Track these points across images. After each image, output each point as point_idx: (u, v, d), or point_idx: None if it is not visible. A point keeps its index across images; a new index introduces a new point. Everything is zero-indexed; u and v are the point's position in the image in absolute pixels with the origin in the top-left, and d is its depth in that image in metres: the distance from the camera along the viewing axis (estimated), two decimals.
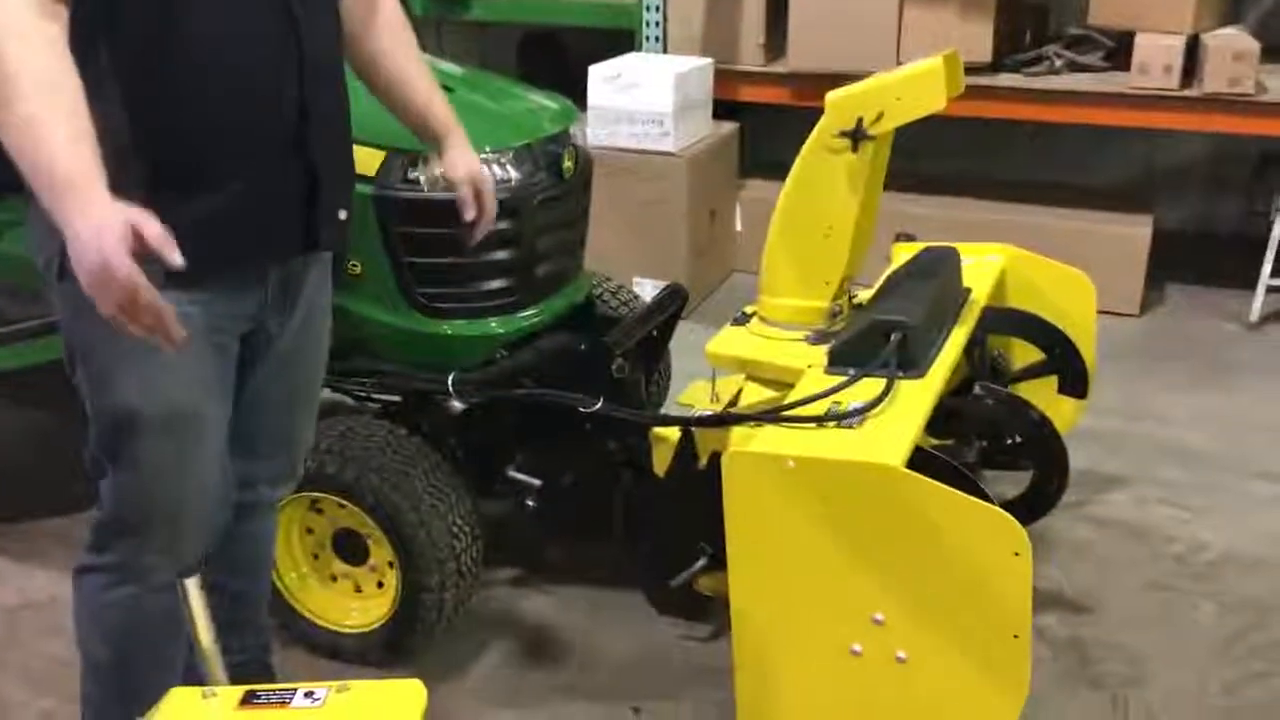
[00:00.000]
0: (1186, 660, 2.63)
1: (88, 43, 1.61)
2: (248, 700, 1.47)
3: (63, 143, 1.50)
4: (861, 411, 2.09)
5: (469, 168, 2.11)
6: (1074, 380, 2.86)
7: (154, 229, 1.51)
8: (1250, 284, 4.41)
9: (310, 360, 2.10)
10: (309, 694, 1.47)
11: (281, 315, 1.97)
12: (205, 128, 1.73)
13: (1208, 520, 3.17)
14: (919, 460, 2.05)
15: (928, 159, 4.95)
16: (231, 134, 1.76)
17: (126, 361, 1.76)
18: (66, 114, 1.51)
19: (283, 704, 1.46)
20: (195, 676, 1.55)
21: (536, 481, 2.67)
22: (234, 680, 2.06)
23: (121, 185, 1.54)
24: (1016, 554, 1.86)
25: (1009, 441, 2.82)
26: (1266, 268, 4.34)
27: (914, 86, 2.45)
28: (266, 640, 2.37)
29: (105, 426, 1.84)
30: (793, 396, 2.20)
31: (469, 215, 2.12)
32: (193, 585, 1.51)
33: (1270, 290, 4.39)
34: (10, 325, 2.81)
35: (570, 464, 2.69)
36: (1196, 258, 4.96)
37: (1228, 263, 4.78)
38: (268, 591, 2.39)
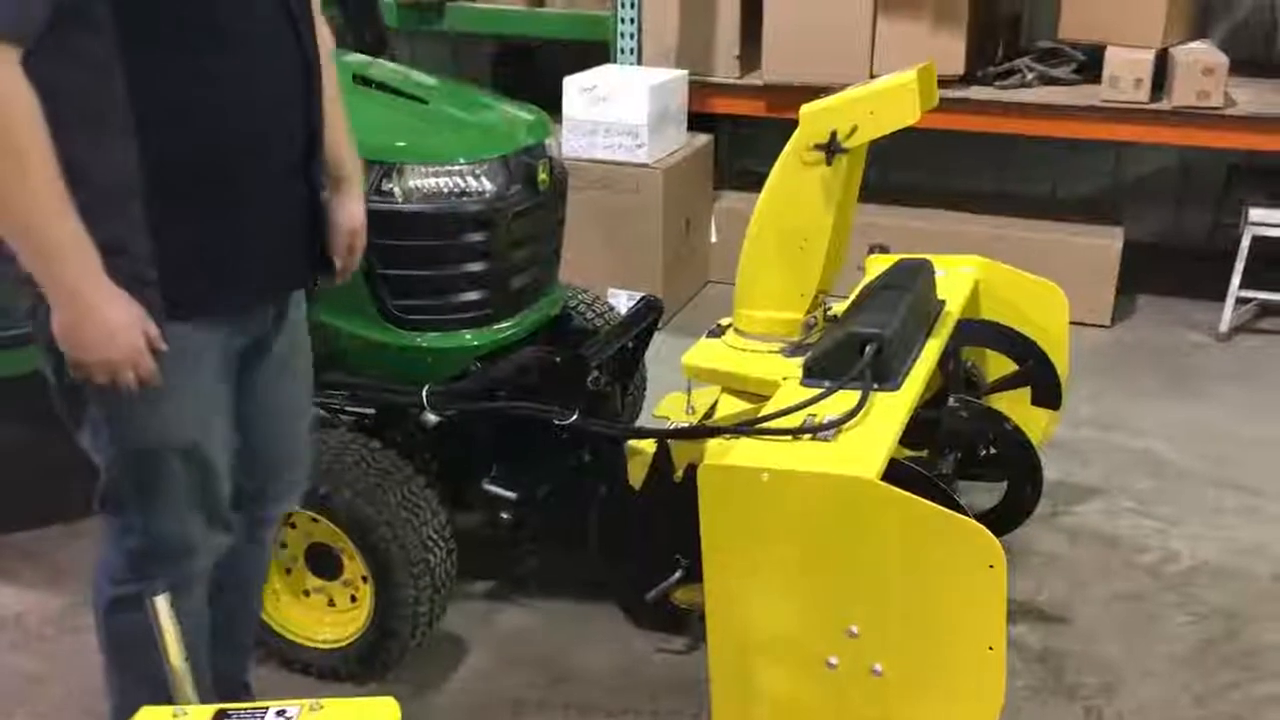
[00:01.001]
0: (1158, 671, 2.64)
1: (99, 75, 1.60)
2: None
3: (61, 211, 1.54)
4: (837, 424, 2.09)
5: (354, 221, 2.04)
6: (1047, 392, 2.87)
7: (153, 331, 1.63)
8: (1219, 295, 4.45)
9: (302, 366, 2.11)
10: (281, 713, 1.46)
11: (277, 328, 1.99)
12: (221, 159, 1.74)
13: (1179, 530, 3.19)
14: (894, 473, 2.05)
15: (899, 171, 4.99)
16: (249, 162, 1.78)
17: (143, 402, 1.75)
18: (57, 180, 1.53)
19: None
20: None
21: (511, 494, 2.66)
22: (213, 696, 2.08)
23: (126, 219, 1.57)
24: (991, 567, 1.87)
25: (982, 453, 2.84)
26: (1235, 279, 4.38)
27: (888, 100, 2.46)
28: (247, 658, 2.36)
29: (129, 465, 1.85)
30: (768, 409, 2.20)
31: (339, 263, 2.04)
32: (162, 603, 1.49)
33: (1239, 302, 4.44)
34: None
35: (545, 477, 2.68)
36: (1166, 269, 5.00)
37: (1197, 274, 4.83)
38: (259, 609, 2.38)
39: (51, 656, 2.68)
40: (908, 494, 1.90)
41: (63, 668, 2.63)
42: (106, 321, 1.61)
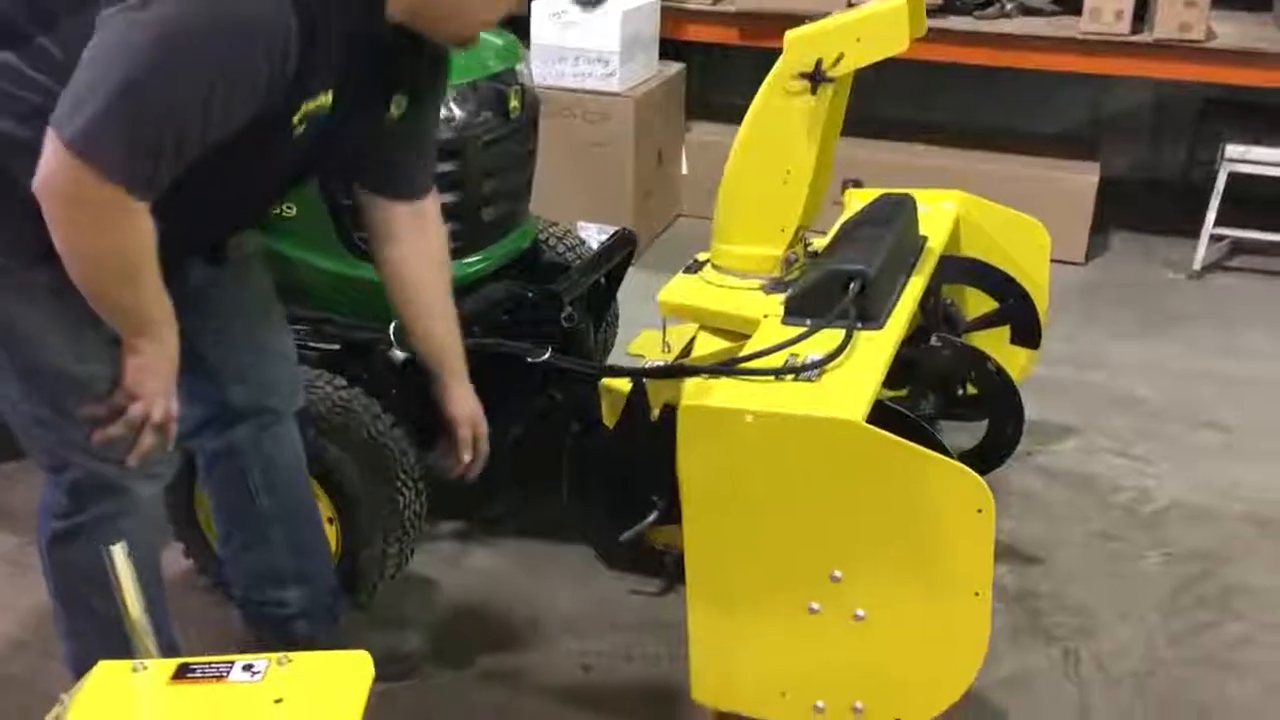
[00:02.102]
0: (1135, 611, 2.63)
1: None
2: (181, 674, 1.38)
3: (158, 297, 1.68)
4: (820, 364, 2.02)
5: (471, 410, 2.16)
6: (1027, 331, 2.83)
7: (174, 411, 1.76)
8: (1194, 233, 4.42)
9: (255, 271, 2.08)
10: (248, 667, 1.38)
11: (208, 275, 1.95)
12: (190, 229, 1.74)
13: (1155, 470, 3.17)
14: (879, 414, 1.99)
15: (872, 103, 4.89)
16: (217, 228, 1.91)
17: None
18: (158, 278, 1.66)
19: (219, 678, 1.37)
20: None
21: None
22: (290, 630, 2.24)
23: None
24: (980, 511, 1.82)
25: (961, 393, 2.80)
26: (1210, 216, 4.34)
27: (876, 27, 2.37)
28: (327, 586, 2.32)
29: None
30: (749, 348, 2.14)
31: (465, 457, 2.16)
32: (119, 552, 1.41)
33: (1214, 239, 4.41)
34: None
35: (517, 415, 2.61)
36: (1140, 206, 4.96)
37: (1171, 211, 4.79)
38: (322, 533, 2.33)
39: (4, 599, 2.60)
40: (894, 437, 1.84)
41: (16, 609, 2.55)
42: (169, 375, 1.75)
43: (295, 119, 1.64)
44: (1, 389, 1.82)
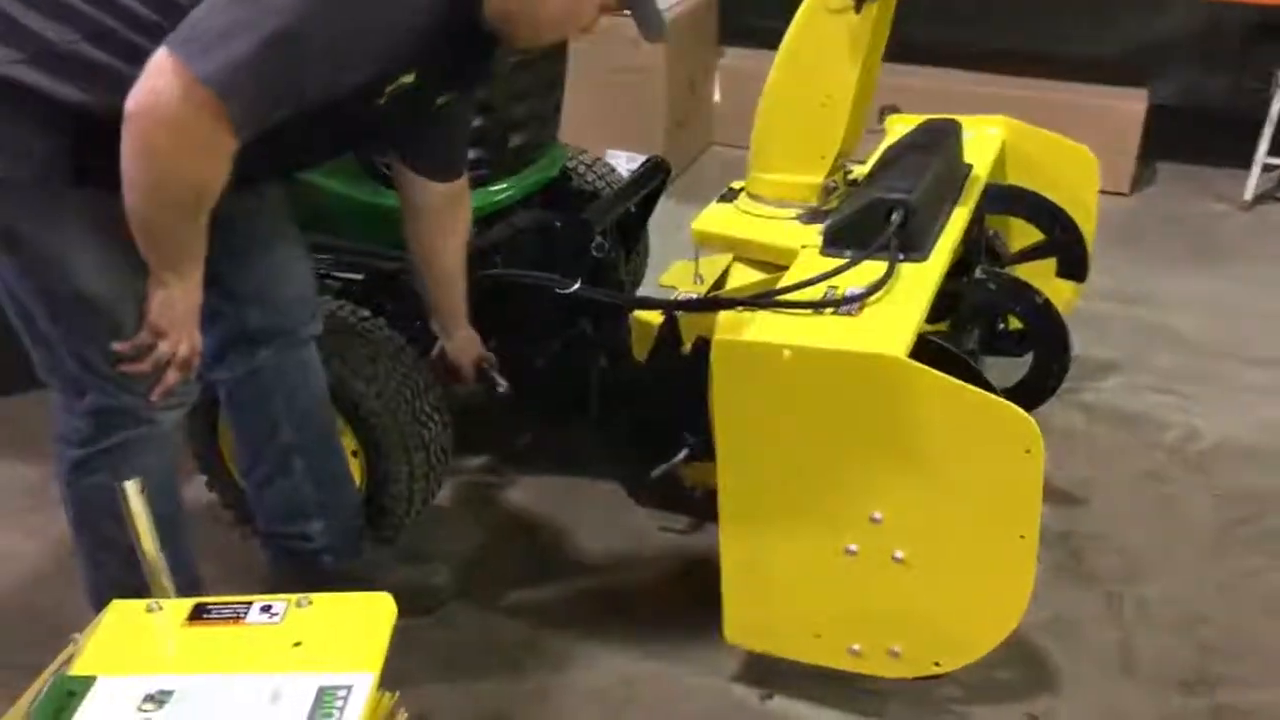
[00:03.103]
0: (1180, 556, 2.55)
1: None
2: (197, 615, 1.34)
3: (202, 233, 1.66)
4: (861, 297, 1.94)
5: (473, 354, 2.40)
6: (1074, 264, 2.73)
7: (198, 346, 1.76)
8: (1244, 162, 4.26)
9: (272, 192, 2.04)
10: (266, 608, 1.34)
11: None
12: None
13: (1201, 408, 3.07)
14: (921, 349, 1.91)
15: (909, 26, 4.72)
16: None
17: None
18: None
19: (236, 619, 1.33)
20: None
21: (503, 367, 2.51)
22: (315, 564, 2.24)
23: None
24: (1028, 451, 1.75)
25: (1004, 327, 2.71)
26: (1263, 145, 4.18)
27: None
28: (352, 519, 2.31)
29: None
30: (787, 280, 2.05)
31: (469, 384, 2.43)
32: (133, 489, 1.36)
33: (1266, 169, 4.25)
34: None
35: (545, 348, 2.54)
36: (1187, 134, 4.79)
37: (1220, 139, 4.62)
38: (346, 465, 2.29)
39: (30, 529, 2.57)
40: (939, 373, 1.76)
41: (42, 538, 2.53)
42: (193, 310, 1.74)
43: (388, 89, 1.69)
44: (22, 310, 1.78)
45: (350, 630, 1.31)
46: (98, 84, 1.55)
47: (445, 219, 2.17)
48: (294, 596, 1.35)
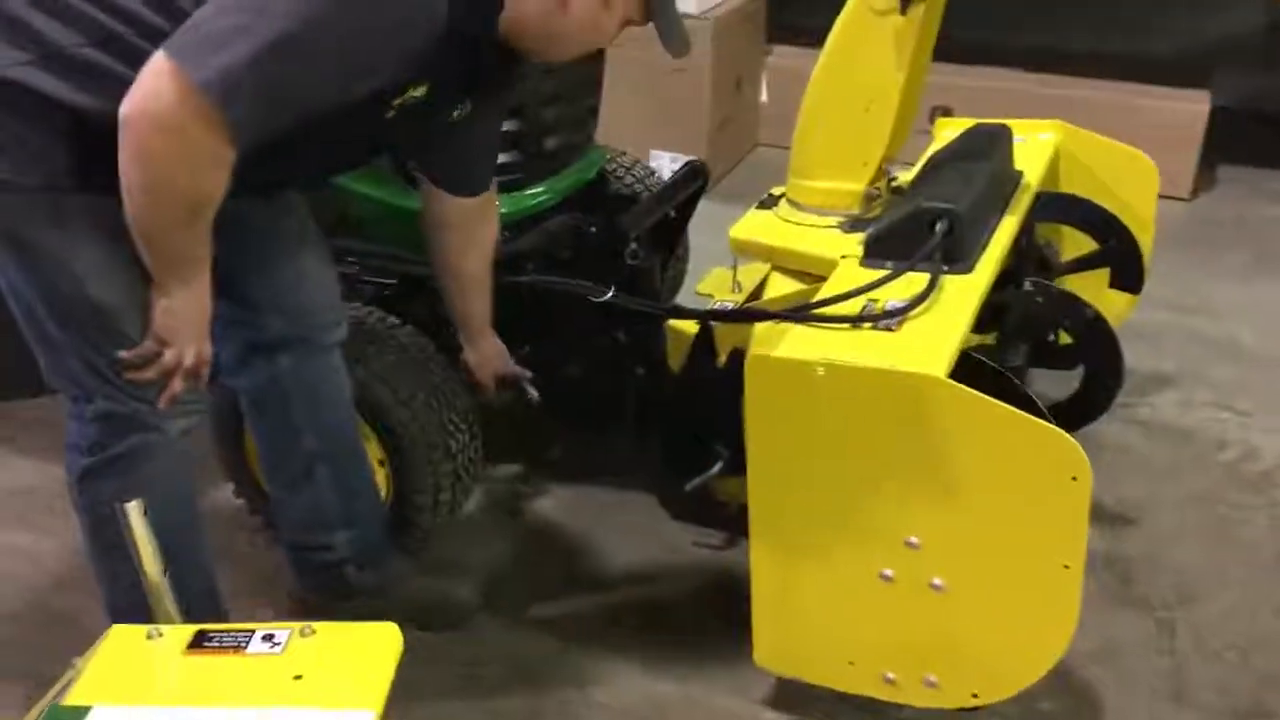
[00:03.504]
0: (1236, 580, 2.44)
1: None
2: (197, 643, 1.29)
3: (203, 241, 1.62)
4: (901, 311, 1.86)
5: (496, 368, 2.34)
6: (1129, 275, 2.63)
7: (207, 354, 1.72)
8: None
9: (293, 199, 2.01)
10: (268, 637, 1.29)
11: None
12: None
13: (1261, 425, 2.95)
14: (963, 366, 1.83)
15: (963, 26, 4.61)
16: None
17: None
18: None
19: (237, 648, 1.28)
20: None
21: (535, 376, 2.46)
22: (338, 576, 2.20)
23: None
24: (1075, 479, 1.66)
25: (1053, 340, 2.61)
26: None
27: None
28: (376, 530, 2.27)
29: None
30: (824, 292, 1.97)
31: (488, 396, 2.38)
32: (135, 511, 1.32)
33: None
34: None
35: (578, 357, 2.48)
36: (1250, 137, 4.64)
37: None
38: (370, 475, 2.26)
39: (59, 531, 2.56)
40: (982, 395, 1.68)
41: (67, 544, 2.51)
42: (200, 318, 1.70)
43: (396, 102, 1.66)
44: (30, 313, 1.75)
45: (354, 663, 1.26)
46: (104, 89, 1.52)
47: (467, 233, 2.14)
48: (298, 625, 1.30)
